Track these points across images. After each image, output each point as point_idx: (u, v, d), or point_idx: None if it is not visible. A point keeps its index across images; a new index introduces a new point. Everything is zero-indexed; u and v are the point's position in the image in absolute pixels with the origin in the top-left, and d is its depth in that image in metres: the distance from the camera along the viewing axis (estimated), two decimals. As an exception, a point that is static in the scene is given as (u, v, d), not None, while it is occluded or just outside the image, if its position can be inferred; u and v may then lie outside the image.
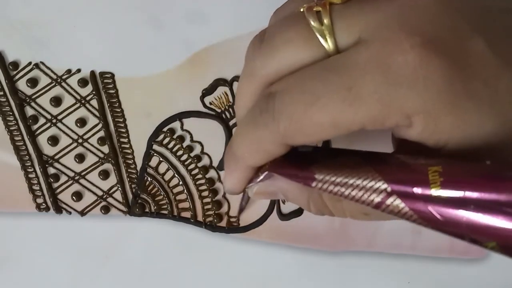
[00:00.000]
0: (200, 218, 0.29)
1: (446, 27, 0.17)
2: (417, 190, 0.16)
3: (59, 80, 0.29)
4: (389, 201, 0.16)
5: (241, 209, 0.29)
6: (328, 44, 0.18)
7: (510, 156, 0.17)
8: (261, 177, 0.21)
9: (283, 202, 0.29)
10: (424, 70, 0.16)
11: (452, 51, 0.16)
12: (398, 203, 0.16)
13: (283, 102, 0.18)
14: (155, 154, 0.29)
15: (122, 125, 0.29)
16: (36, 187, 0.29)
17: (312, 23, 0.18)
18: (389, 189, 0.16)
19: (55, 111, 0.29)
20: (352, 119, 0.17)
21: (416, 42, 0.16)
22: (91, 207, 0.30)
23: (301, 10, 0.19)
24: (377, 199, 0.17)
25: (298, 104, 0.17)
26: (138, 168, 0.29)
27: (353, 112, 0.16)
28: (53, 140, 0.29)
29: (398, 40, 0.16)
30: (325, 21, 0.18)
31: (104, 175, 0.29)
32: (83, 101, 0.29)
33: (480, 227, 0.15)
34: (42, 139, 0.29)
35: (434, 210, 0.16)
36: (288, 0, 0.21)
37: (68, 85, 0.29)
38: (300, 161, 0.19)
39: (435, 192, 0.16)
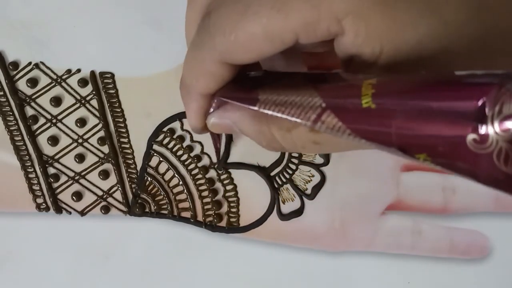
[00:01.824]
0: (200, 218, 0.29)
1: None
2: (349, 103, 0.16)
3: (59, 80, 0.29)
4: (324, 116, 0.16)
5: (218, 151, 0.28)
6: None
7: (454, 63, 0.17)
8: (213, 105, 0.21)
9: (283, 203, 0.29)
10: None
11: None
12: (332, 118, 0.16)
13: (218, 16, 0.18)
14: (155, 154, 0.29)
15: (122, 125, 0.29)
16: (36, 187, 0.29)
17: None
18: (323, 104, 0.16)
19: (55, 111, 0.29)
20: (283, 27, 0.17)
21: None
22: (91, 207, 0.30)
23: None
24: (313, 115, 0.16)
25: (231, 15, 0.17)
26: (138, 168, 0.29)
27: (283, 18, 0.17)
28: (53, 140, 0.29)
29: None
30: None
31: (104, 175, 0.29)
32: (83, 101, 0.29)
33: (409, 136, 0.14)
34: (42, 139, 0.29)
35: (364, 121, 0.15)
36: None
37: (68, 85, 0.29)
38: (248, 84, 0.19)
39: (366, 104, 0.15)
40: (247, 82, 0.20)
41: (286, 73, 0.21)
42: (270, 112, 0.18)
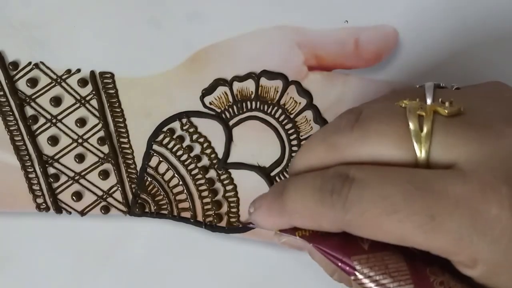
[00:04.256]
0: (200, 218, 0.29)
1: None
2: None
3: (59, 80, 0.29)
4: None
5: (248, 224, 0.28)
6: (420, 152, 0.17)
7: None
8: (298, 239, 0.20)
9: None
10: None
11: None
12: None
13: (359, 195, 0.17)
14: (155, 154, 0.29)
15: (122, 125, 0.29)
16: (36, 187, 0.29)
17: (412, 125, 0.17)
18: None
19: (55, 111, 0.29)
20: (420, 243, 0.16)
21: None
22: (91, 207, 0.30)
23: (402, 105, 0.19)
24: None
25: (374, 206, 0.17)
26: (138, 168, 0.29)
27: (425, 238, 0.16)
28: (53, 140, 0.29)
29: (498, 191, 0.16)
30: (425, 129, 0.17)
31: (104, 175, 0.29)
32: (83, 101, 0.29)
33: None
34: (42, 139, 0.29)
35: None
36: (393, 92, 0.21)
37: (68, 85, 0.29)
38: (342, 240, 0.19)
39: None
40: (339, 235, 0.19)
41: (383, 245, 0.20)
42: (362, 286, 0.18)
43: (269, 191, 0.21)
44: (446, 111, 0.18)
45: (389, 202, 0.17)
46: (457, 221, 0.16)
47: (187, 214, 0.29)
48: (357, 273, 0.18)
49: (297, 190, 0.19)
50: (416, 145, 0.17)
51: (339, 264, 0.18)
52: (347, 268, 0.18)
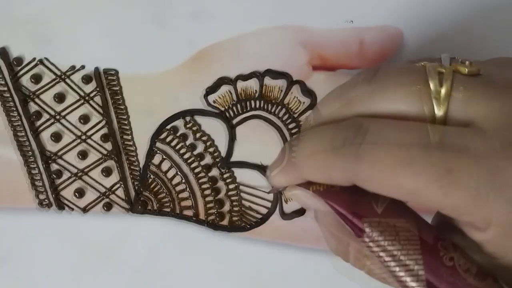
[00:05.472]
0: (202, 216, 0.29)
1: None
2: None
3: (63, 77, 0.29)
4: None
5: (272, 191, 0.28)
6: (439, 109, 0.17)
7: None
8: (310, 193, 0.19)
9: (286, 202, 0.29)
10: None
11: None
12: None
13: (373, 144, 0.17)
14: (158, 152, 0.29)
15: (126, 122, 0.29)
16: (38, 183, 0.29)
17: (431, 82, 0.17)
18: (424, 277, 0.16)
19: (58, 107, 0.29)
20: (434, 199, 0.16)
21: None
22: (93, 204, 0.29)
23: (422, 64, 0.18)
24: (413, 284, 0.17)
25: (389, 156, 0.16)
26: (141, 165, 0.29)
27: (441, 193, 0.16)
28: (56, 137, 0.29)
29: None
30: (445, 85, 0.17)
31: (107, 172, 0.29)
32: (86, 98, 0.29)
33: None
34: (45, 136, 0.29)
35: None
36: (410, 61, 0.21)
37: (72, 81, 0.29)
38: (356, 200, 0.18)
39: None
40: (354, 193, 0.19)
41: (395, 207, 0.19)
42: (370, 251, 0.17)
43: (282, 148, 0.21)
44: (467, 70, 0.18)
45: (404, 152, 0.16)
46: (475, 176, 0.15)
47: (189, 212, 0.29)
48: (365, 236, 0.17)
49: (308, 141, 0.19)
50: (435, 102, 0.17)
51: (349, 224, 0.18)
52: (356, 229, 0.18)
